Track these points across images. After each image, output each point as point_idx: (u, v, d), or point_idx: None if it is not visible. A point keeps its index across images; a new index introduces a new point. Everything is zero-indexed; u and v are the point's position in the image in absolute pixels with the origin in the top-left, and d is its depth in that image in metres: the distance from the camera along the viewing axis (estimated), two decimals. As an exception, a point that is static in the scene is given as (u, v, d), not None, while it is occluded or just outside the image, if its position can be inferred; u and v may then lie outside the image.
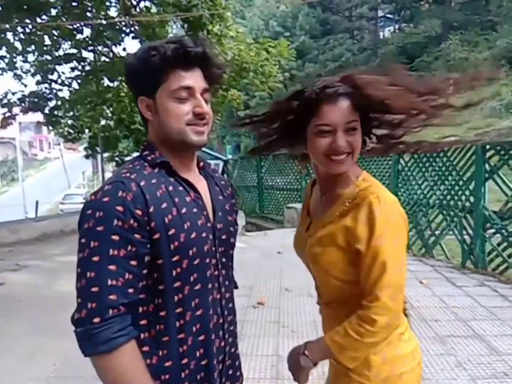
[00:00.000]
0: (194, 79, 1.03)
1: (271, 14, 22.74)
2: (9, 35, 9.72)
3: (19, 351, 3.30)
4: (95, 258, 0.93)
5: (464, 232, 5.30)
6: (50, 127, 10.74)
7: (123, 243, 0.94)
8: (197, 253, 1.02)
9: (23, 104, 9.66)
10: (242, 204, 11.24)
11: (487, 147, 5.00)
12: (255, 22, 23.15)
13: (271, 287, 4.63)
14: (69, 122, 11.32)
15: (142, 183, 0.98)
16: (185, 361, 1.03)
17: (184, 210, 1.02)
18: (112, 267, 0.93)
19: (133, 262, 0.95)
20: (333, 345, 1.11)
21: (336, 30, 25.46)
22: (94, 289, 0.92)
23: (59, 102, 10.17)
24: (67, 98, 10.31)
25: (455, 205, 5.44)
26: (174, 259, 0.99)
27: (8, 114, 9.63)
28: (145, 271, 0.98)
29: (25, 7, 8.92)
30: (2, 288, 4.84)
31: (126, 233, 0.94)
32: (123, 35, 9.70)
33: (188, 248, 1.01)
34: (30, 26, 9.75)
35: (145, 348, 1.00)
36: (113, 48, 10.20)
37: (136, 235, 0.95)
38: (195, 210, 1.05)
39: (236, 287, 1.28)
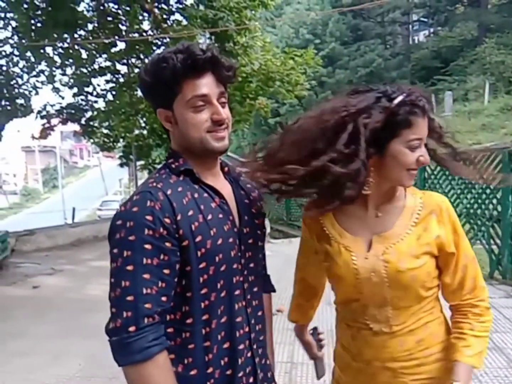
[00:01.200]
0: (207, 86, 1.02)
1: (301, 22, 22.81)
2: (49, 50, 10.28)
3: (47, 350, 3.52)
4: (129, 267, 0.93)
5: (492, 241, 5.17)
6: (86, 137, 11.21)
7: (156, 251, 0.94)
8: (223, 259, 1.02)
9: (61, 116, 10.16)
10: (269, 212, 11.31)
11: (515, 154, 4.88)
12: (285, 30, 23.28)
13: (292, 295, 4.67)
14: (105, 131, 11.78)
15: (168, 192, 0.99)
16: (210, 370, 1.02)
17: (210, 217, 1.02)
18: (146, 276, 0.93)
19: (165, 271, 0.96)
20: (475, 360, 1.10)
21: (367, 36, 25.18)
22: (130, 298, 0.92)
23: (95, 113, 10.61)
24: (103, 109, 10.73)
25: (483, 214, 5.32)
26: (201, 265, 1.00)
27: (47, 125, 10.16)
28: (176, 279, 0.98)
29: (63, 22, 9.41)
30: (36, 291, 5.14)
31: (158, 242, 0.95)
32: (154, 48, 10.03)
33: (214, 254, 1.01)
34: (68, 41, 10.28)
35: (171, 356, 0.99)
36: (146, 60, 10.54)
37: (167, 244, 0.96)
38: (220, 216, 1.05)
39: (273, 291, 1.30)
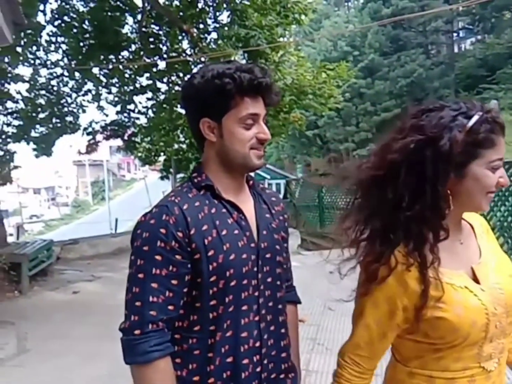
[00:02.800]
0: (259, 106, 1.08)
1: (339, 35, 22.87)
2: (95, 70, 10.96)
3: (81, 351, 3.79)
4: (140, 275, 1.01)
5: (526, 256, 5.00)
6: (129, 152, 11.79)
7: (165, 263, 1.01)
8: (234, 274, 1.05)
9: (105, 132, 10.79)
10: (304, 223, 11.34)
11: (548, 166, 4.73)
12: (323, 43, 23.43)
13: (315, 306, 4.74)
14: (146, 146, 12.33)
15: (184, 207, 1.04)
16: (211, 380, 1.06)
17: (224, 232, 1.06)
18: (154, 285, 1.00)
19: (174, 281, 1.02)
20: None
21: (408, 46, 24.86)
22: (138, 303, 1.00)
23: (136, 129, 11.15)
24: (144, 125, 11.26)
25: (516, 227, 5.16)
26: (212, 279, 1.04)
27: (92, 141, 10.82)
28: (186, 289, 1.04)
29: (108, 45, 10.04)
30: (76, 296, 5.50)
31: (168, 254, 1.01)
32: (192, 66, 10.46)
33: (225, 269, 1.04)
34: (114, 61, 10.94)
35: (178, 360, 1.06)
36: (185, 78, 10.98)
37: (177, 256, 1.01)
38: (236, 231, 1.08)
39: (299, 302, 1.34)
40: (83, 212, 42.24)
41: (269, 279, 1.12)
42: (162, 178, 12.93)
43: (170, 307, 1.02)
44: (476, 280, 1.00)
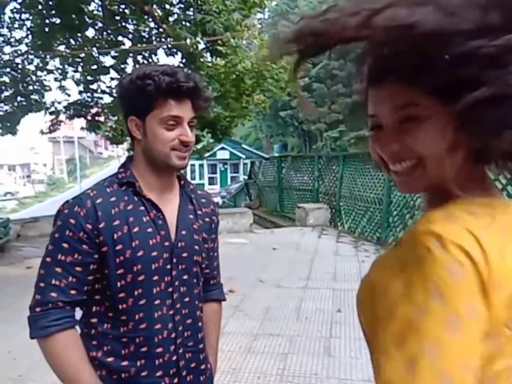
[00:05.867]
0: (183, 109, 1.12)
1: (313, 15, 22.96)
2: (61, 47, 10.92)
3: (23, 320, 4.12)
4: (48, 259, 1.11)
5: None
6: (92, 131, 11.87)
7: (71, 251, 1.09)
8: (142, 269, 1.11)
9: (68, 112, 10.85)
10: (266, 203, 11.75)
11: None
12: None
13: (249, 278, 5.15)
14: (113, 126, 12.40)
15: (98, 201, 1.11)
16: (125, 363, 1.13)
17: (136, 229, 1.12)
18: (58, 269, 1.09)
19: (78, 268, 1.10)
20: None
21: (381, 28, 25.05)
22: (42, 284, 1.10)
23: (100, 110, 11.23)
24: (109, 104, 11.33)
25: None
26: (119, 272, 1.11)
27: (54, 120, 10.90)
28: (90, 277, 1.12)
29: (71, 23, 10.00)
30: (29, 271, 5.77)
31: (75, 243, 1.09)
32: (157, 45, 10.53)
33: (132, 264, 1.11)
34: (79, 39, 10.91)
35: (94, 342, 1.14)
36: (150, 59, 11.04)
37: (84, 246, 1.09)
38: (149, 230, 1.13)
39: (223, 299, 1.43)
40: (57, 190, 41.89)
41: (185, 277, 1.19)
42: (130, 157, 13.05)
43: (72, 292, 1.10)
44: None
